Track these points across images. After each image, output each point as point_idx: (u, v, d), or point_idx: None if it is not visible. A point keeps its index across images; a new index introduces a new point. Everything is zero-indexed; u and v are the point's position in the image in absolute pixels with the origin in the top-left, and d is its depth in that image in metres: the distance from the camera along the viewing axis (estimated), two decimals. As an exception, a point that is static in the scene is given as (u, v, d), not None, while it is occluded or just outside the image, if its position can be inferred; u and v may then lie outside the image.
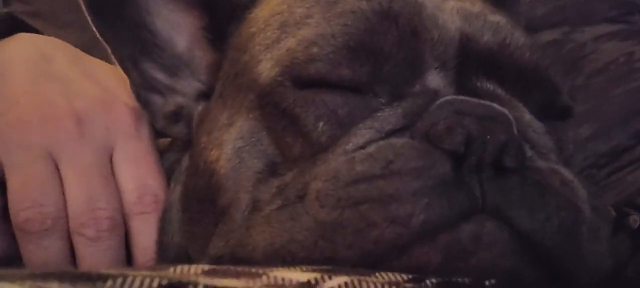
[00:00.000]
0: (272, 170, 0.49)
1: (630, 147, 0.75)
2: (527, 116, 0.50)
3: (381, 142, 0.44)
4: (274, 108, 0.50)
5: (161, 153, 0.65)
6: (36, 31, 0.69)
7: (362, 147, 0.45)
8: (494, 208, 0.42)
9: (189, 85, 0.61)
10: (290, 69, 0.49)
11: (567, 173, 0.46)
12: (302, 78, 0.49)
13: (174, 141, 0.65)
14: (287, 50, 0.50)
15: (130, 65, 0.60)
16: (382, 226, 0.41)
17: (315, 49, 0.49)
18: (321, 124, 0.47)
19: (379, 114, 0.47)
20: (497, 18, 0.54)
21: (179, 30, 0.61)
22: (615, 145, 0.76)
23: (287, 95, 0.49)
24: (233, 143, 0.52)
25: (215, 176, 0.52)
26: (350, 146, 0.45)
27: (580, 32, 0.91)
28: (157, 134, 0.66)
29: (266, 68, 0.51)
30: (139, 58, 0.60)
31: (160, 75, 0.61)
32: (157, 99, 0.61)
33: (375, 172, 0.43)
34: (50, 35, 0.68)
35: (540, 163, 0.46)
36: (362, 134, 0.46)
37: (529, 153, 0.46)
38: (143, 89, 0.61)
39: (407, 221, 0.41)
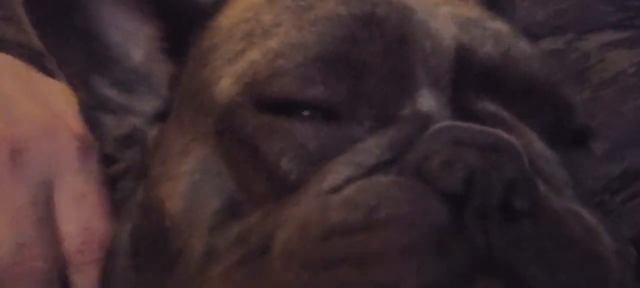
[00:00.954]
0: (233, 210, 0.41)
1: (646, 169, 0.67)
2: (538, 144, 0.41)
3: (362, 182, 0.36)
4: (233, 135, 0.42)
5: (115, 181, 0.58)
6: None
7: (339, 188, 0.37)
8: (503, 264, 0.34)
9: (147, 103, 0.53)
10: (251, 87, 0.42)
11: (588, 215, 0.38)
12: (264, 98, 0.41)
13: (130, 166, 0.57)
14: (249, 64, 0.42)
15: (78, 82, 0.53)
16: None
17: (281, 62, 0.41)
18: (286, 159, 0.39)
19: (360, 145, 0.38)
20: (498, 25, 0.46)
21: (135, 40, 0.54)
22: (629, 167, 0.68)
23: (247, 120, 0.41)
24: (188, 176, 0.44)
25: (167, 215, 0.44)
26: (324, 186, 0.37)
27: (584, 40, 0.84)
28: (110, 160, 0.58)
29: (226, 86, 0.43)
30: (89, 73, 0.53)
31: (113, 93, 0.53)
32: (109, 120, 0.53)
33: (353, 222, 0.34)
34: (24, 42, 0.61)
35: (557, 203, 0.37)
36: (339, 170, 0.37)
37: (543, 190, 0.38)
38: (93, 108, 0.53)
39: None
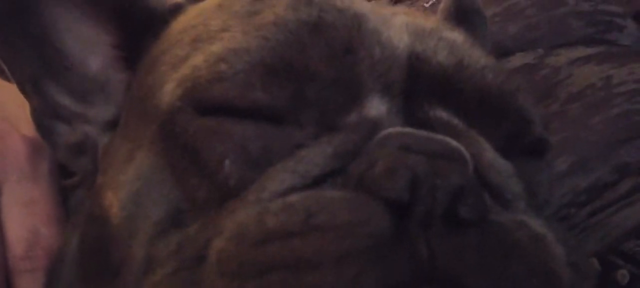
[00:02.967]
0: (175, 219, 0.39)
1: (613, 182, 0.66)
2: (489, 153, 0.40)
3: (304, 193, 0.35)
4: (175, 141, 0.40)
5: (70, 191, 0.56)
6: None
7: (281, 196, 0.35)
8: (445, 274, 0.33)
9: (102, 112, 0.51)
10: (192, 91, 0.40)
11: (538, 227, 0.37)
12: (205, 102, 0.39)
13: (85, 175, 0.56)
14: (192, 69, 0.41)
15: (31, 89, 0.51)
16: None
17: (222, 66, 0.39)
18: (227, 162, 0.38)
19: (303, 153, 0.37)
20: (454, 35, 0.45)
21: (92, 47, 0.52)
22: (596, 181, 0.67)
23: (188, 124, 0.40)
24: (130, 184, 0.42)
25: (108, 225, 0.42)
26: (266, 193, 0.36)
27: (555, 56, 0.84)
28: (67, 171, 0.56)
29: (168, 91, 0.42)
30: (42, 80, 0.51)
31: (67, 101, 0.52)
32: (62, 129, 0.52)
33: (291, 227, 0.33)
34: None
35: (504, 217, 0.36)
36: (281, 177, 0.36)
37: (488, 201, 0.36)
38: (46, 116, 0.51)
39: None
